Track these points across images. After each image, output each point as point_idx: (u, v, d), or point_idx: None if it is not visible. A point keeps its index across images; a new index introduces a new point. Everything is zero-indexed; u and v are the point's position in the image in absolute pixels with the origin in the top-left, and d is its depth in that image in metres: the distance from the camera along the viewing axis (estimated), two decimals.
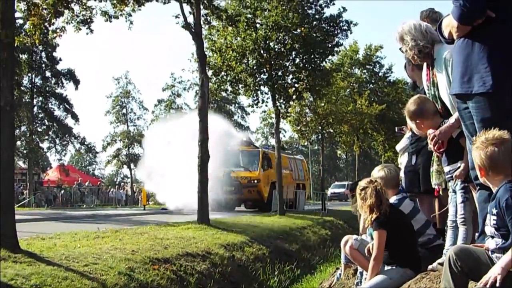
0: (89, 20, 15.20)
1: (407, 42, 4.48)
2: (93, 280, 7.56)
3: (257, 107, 24.83)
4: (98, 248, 9.48)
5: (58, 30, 14.64)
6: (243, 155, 26.18)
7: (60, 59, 41.25)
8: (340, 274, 6.47)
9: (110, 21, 15.88)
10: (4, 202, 8.43)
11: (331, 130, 34.64)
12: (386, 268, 4.70)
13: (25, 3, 13.44)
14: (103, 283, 7.65)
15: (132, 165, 52.47)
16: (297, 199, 28.43)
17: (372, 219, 4.59)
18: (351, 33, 25.05)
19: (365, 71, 40.83)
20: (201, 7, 16.27)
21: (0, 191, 8.44)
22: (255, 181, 24.95)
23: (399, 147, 7.10)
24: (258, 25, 22.24)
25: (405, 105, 4.83)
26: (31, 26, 14.09)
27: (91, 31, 15.35)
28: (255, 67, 22.81)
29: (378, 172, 5.41)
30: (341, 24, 24.09)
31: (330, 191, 48.26)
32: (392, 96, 39.75)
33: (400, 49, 4.68)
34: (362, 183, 4.83)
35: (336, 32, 24.16)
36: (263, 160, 25.73)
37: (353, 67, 39.70)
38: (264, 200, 25.46)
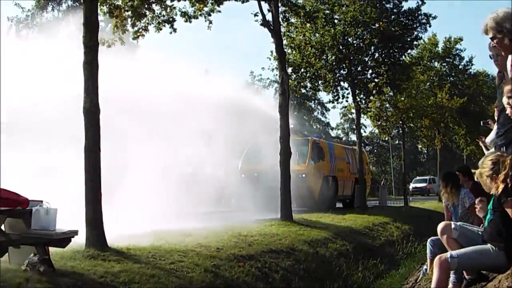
0: (171, 19, 15.02)
1: (506, 28, 4.15)
2: (179, 278, 7.57)
3: (337, 103, 24.25)
4: (183, 245, 9.30)
5: (140, 30, 14.50)
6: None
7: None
8: (426, 269, 6.56)
9: (190, 22, 15.52)
10: (92, 201, 8.47)
11: (412, 125, 33.09)
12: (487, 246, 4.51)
13: (107, 5, 13.28)
14: (189, 280, 7.63)
15: None
16: (356, 194, 23.88)
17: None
18: (430, 26, 23.74)
19: (444, 64, 38.51)
20: (279, 4, 15.98)
21: (87, 190, 8.35)
22: (303, 175, 19.49)
23: (488, 139, 6.97)
24: (336, 21, 21.84)
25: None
26: (114, 28, 14.05)
27: (174, 30, 15.12)
28: (334, 63, 22.23)
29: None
30: (419, 17, 23.12)
31: (412, 185, 47.63)
32: (473, 89, 37.56)
33: (491, 38, 4.30)
34: (491, 157, 4.50)
35: (414, 26, 23.21)
36: (312, 151, 20.74)
37: (433, 60, 37.52)
38: (314, 197, 20.42)
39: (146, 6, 14.23)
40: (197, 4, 15.42)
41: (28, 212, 6.54)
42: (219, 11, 16.11)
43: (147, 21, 14.49)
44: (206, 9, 15.65)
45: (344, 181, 22.84)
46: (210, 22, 16.14)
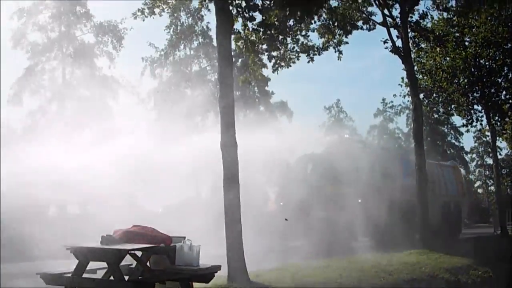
0: (307, 49, 14.81)
1: None
2: None
3: (471, 127, 22.51)
4: (324, 277, 8.86)
5: (278, 62, 14.37)
6: None
7: (273, 92, 37.40)
8: None
9: (319, 55, 15.24)
10: (233, 234, 8.22)
11: None
12: None
13: (243, 41, 12.99)
14: None
15: None
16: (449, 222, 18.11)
17: None
18: None
19: None
20: (409, 30, 15.51)
21: (228, 224, 8.42)
22: None
23: None
24: (467, 43, 20.35)
25: None
26: (251, 63, 13.87)
27: (312, 59, 14.92)
28: (467, 86, 20.76)
29: None
30: None
31: None
32: None
33: None
34: None
35: None
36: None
37: None
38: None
39: (279, 40, 13.94)
40: (326, 36, 15.44)
41: (172, 249, 6.42)
42: (347, 42, 15.57)
43: (281, 54, 14.30)
44: (334, 40, 15.46)
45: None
46: (340, 53, 15.98)
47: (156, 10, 11.94)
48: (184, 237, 6.68)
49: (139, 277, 6.27)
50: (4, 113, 28.03)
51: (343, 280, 9.11)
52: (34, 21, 30.09)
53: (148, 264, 6.38)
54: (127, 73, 36.67)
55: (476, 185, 52.84)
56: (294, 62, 14.78)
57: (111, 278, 6.34)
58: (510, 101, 21.31)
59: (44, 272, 6.45)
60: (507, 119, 21.85)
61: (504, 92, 21.25)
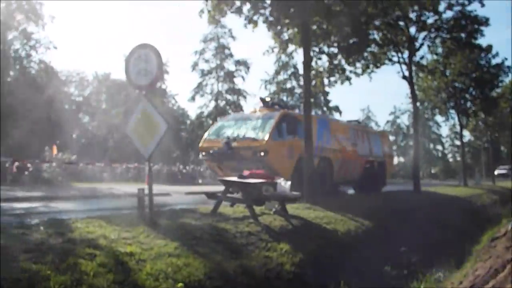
0: (350, 78, 17.92)
1: None
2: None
3: (447, 121, 30.14)
4: None
5: (332, 83, 18.03)
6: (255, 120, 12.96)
7: (331, 100, 51.73)
8: None
9: (359, 77, 18.37)
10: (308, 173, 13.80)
11: (497, 134, 35.93)
12: None
13: (314, 71, 16.09)
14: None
15: None
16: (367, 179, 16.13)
17: None
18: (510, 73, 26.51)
19: None
20: (412, 65, 19.61)
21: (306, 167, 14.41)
22: (261, 154, 11.55)
23: None
24: (447, 73, 25.51)
25: None
26: (318, 83, 17.54)
27: (350, 83, 18.16)
28: (446, 99, 27.28)
29: None
30: (503, 68, 26.18)
31: (496, 172, 45.42)
32: None
33: None
34: None
35: (500, 74, 26.18)
36: (279, 125, 12.28)
37: None
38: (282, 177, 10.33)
39: (336, 70, 17.24)
40: (365, 69, 18.91)
41: (275, 183, 7.92)
42: (374, 72, 19.54)
43: (335, 79, 17.64)
44: (369, 70, 18.91)
45: (346, 164, 15.00)
46: (371, 77, 20.91)
47: (276, 50, 14.12)
48: (281, 178, 8.31)
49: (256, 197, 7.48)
50: None
51: None
52: None
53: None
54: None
55: (448, 156, 70.92)
56: (342, 83, 18.04)
57: (239, 196, 7.95)
58: (472, 108, 27.58)
59: (206, 192, 8.74)
60: (470, 118, 29.06)
61: (468, 103, 27.46)
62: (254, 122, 12.55)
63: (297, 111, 15.15)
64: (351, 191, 17.35)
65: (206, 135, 13.23)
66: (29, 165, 20.85)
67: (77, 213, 7.42)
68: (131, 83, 6.92)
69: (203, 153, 12.73)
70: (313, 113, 15.03)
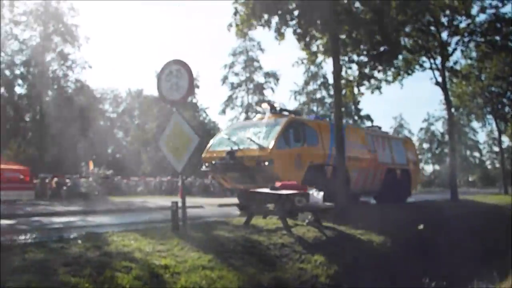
0: (380, 87, 17.61)
1: None
2: None
3: (484, 127, 28.68)
4: None
5: (363, 92, 17.56)
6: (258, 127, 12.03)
7: (361, 108, 51.44)
8: None
9: (390, 85, 18.45)
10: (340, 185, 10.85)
11: None
12: None
13: (344, 80, 15.61)
14: None
15: None
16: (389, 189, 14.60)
17: None
18: None
19: None
20: (446, 71, 19.37)
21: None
22: (266, 163, 10.54)
23: None
24: (483, 78, 24.75)
25: None
26: (348, 93, 16.79)
27: (380, 92, 17.76)
28: (482, 104, 26.48)
29: None
30: None
31: None
32: None
33: None
34: None
35: None
36: (285, 132, 11.29)
37: None
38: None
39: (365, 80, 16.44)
40: (396, 76, 18.82)
41: (307, 194, 7.92)
42: (406, 78, 19.19)
43: (365, 88, 17.06)
44: (400, 77, 18.88)
45: (364, 172, 13.79)
46: (402, 84, 20.53)
47: (305, 61, 14.53)
48: (313, 188, 8.20)
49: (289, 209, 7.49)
50: None
51: None
52: None
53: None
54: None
55: (487, 163, 68.73)
56: (372, 92, 17.74)
57: (271, 208, 7.89)
58: (510, 112, 26.58)
59: (238, 204, 9.48)
60: (508, 123, 28.06)
61: (506, 108, 26.48)
62: (259, 130, 11.56)
63: (314, 117, 14.54)
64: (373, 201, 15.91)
65: (209, 144, 12.32)
66: (67, 180, 21.56)
67: (113, 227, 7.57)
68: (163, 98, 7.07)
69: (206, 164, 11.88)
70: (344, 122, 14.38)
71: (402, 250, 8.05)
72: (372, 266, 6.88)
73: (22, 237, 6.32)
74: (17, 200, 16.69)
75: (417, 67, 19.37)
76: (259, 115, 13.13)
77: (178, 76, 6.77)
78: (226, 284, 4.68)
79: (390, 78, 18.46)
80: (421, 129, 70.11)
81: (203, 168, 12.14)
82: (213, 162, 11.43)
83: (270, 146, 10.75)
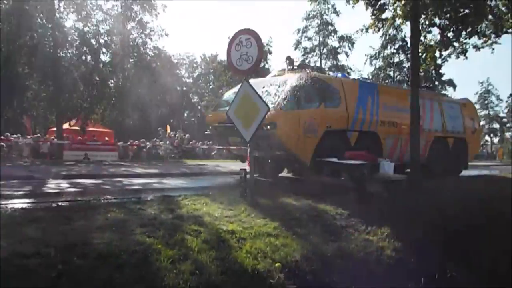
0: (466, 50, 16.11)
1: None
2: None
3: None
4: None
5: (446, 58, 15.80)
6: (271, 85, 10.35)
7: (443, 73, 47.69)
8: None
9: (479, 50, 16.13)
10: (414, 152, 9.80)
11: None
12: None
13: (423, 46, 13.98)
14: None
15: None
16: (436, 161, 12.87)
17: None
18: None
19: None
20: None
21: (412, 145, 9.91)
22: (267, 127, 8.87)
23: None
24: None
25: None
26: (429, 58, 15.52)
27: (466, 57, 15.90)
28: None
29: None
30: None
31: None
32: None
33: None
34: None
35: None
36: (297, 89, 9.64)
37: None
38: (302, 161, 9.59)
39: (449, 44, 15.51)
40: (482, 39, 19.28)
41: (377, 165, 8.63)
42: (497, 43, 19.69)
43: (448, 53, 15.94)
44: (489, 41, 17.09)
45: (401, 141, 11.78)
46: (493, 49, 19.82)
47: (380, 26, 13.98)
48: (384, 158, 8.78)
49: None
50: None
51: None
52: None
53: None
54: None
55: None
56: (458, 57, 16.22)
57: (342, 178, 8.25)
58: None
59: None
60: None
61: None
62: (271, 88, 9.82)
63: (336, 74, 12.66)
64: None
65: (215, 105, 10.86)
66: (147, 143, 22.92)
67: (186, 190, 7.98)
68: (233, 68, 7.18)
69: (210, 128, 10.74)
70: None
71: (477, 226, 7.63)
72: (443, 241, 6.64)
73: (106, 197, 6.89)
74: (102, 161, 18.11)
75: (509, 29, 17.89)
76: (275, 71, 11.73)
77: (248, 46, 6.81)
78: (289, 252, 4.82)
79: (479, 43, 17.10)
80: (511, 94, 63.58)
81: (208, 131, 11.07)
82: (216, 125, 10.40)
83: (273, 107, 8.85)
